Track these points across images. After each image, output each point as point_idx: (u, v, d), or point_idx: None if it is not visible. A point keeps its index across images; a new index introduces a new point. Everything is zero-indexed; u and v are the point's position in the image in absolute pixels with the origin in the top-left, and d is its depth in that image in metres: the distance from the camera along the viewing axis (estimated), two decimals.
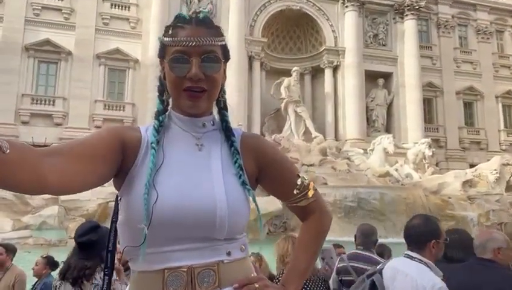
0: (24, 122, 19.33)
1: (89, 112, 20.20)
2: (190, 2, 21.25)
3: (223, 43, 1.20)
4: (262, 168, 1.25)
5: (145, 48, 20.64)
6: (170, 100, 1.24)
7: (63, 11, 20.79)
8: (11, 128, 18.48)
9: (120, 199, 1.15)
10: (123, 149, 1.11)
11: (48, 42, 20.21)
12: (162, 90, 1.23)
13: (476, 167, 18.96)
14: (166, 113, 1.23)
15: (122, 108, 20.87)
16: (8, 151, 0.80)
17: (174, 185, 1.09)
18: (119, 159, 1.10)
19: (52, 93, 20.27)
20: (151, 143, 1.13)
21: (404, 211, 12.85)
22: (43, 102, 19.87)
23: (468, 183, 16.53)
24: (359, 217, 12.43)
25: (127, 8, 21.80)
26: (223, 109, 1.29)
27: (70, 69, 20.40)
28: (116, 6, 21.66)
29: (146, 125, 1.21)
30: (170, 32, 1.17)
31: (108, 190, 13.11)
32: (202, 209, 1.08)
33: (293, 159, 17.52)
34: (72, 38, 20.50)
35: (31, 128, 19.20)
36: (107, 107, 20.65)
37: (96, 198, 12.95)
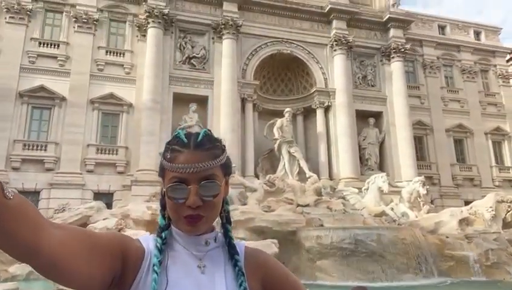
0: (15, 168, 19.10)
1: (81, 157, 20.08)
2: (183, 48, 21.88)
3: (223, 161, 1.18)
4: (267, 288, 1.22)
5: (139, 92, 20.94)
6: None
7: (58, 58, 21.21)
8: (1, 175, 18.21)
9: None
10: (124, 261, 1.05)
11: (42, 88, 20.44)
12: (163, 204, 1.21)
13: (471, 204, 18.87)
14: (168, 230, 1.20)
15: (115, 151, 20.80)
16: (11, 197, 0.78)
17: None
18: (117, 268, 1.04)
19: (44, 139, 20.22)
20: (154, 265, 1.09)
21: (402, 252, 12.60)
22: (34, 147, 19.76)
23: (464, 222, 16.37)
24: (357, 259, 12.14)
25: (121, 55, 22.33)
26: (226, 223, 1.26)
27: (64, 114, 20.51)
28: (111, 53, 22.19)
29: (146, 236, 1.17)
30: (168, 155, 1.16)
31: None
32: None
33: (288, 199, 17.35)
34: (66, 84, 20.78)
35: (22, 174, 18.97)
36: (99, 151, 20.58)
37: None
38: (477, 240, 14.46)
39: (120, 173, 20.41)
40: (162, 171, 1.18)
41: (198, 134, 1.18)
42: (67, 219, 14.28)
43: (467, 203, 21.56)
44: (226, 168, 1.20)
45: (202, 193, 1.10)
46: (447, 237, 14.58)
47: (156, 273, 1.06)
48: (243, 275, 1.16)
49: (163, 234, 1.16)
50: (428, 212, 19.35)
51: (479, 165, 27.79)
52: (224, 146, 1.22)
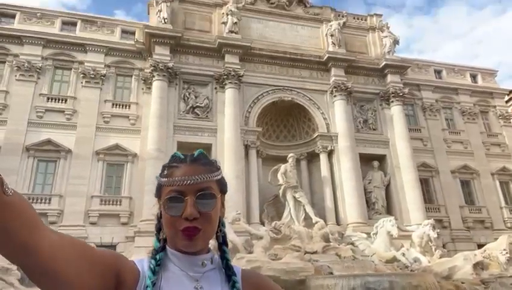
0: None
1: (84, 208, 19.95)
2: (187, 99, 22.48)
3: (219, 177, 1.21)
4: None
5: (143, 142, 21.23)
6: (167, 239, 1.21)
7: (65, 112, 21.80)
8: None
9: None
10: (117, 280, 1.03)
11: (49, 142, 20.80)
12: (159, 228, 1.21)
13: (485, 247, 18.24)
14: (163, 252, 1.19)
15: (119, 202, 20.68)
16: (10, 194, 0.78)
17: None
18: (109, 285, 1.01)
19: (48, 192, 20.23)
20: (147, 287, 1.07)
21: None
22: (39, 201, 19.71)
23: (479, 266, 15.72)
24: None
25: (127, 107, 22.94)
26: (223, 244, 1.26)
27: (69, 166, 20.69)
28: (117, 106, 22.82)
29: (141, 258, 1.16)
30: (166, 172, 1.19)
31: None
32: None
33: (295, 247, 16.89)
34: (72, 137, 21.16)
35: None
36: (103, 202, 20.48)
37: None
38: (494, 285, 13.82)
39: (123, 224, 20.15)
40: (159, 191, 1.18)
41: (194, 153, 1.22)
42: None
43: (479, 246, 20.89)
44: (222, 186, 1.22)
45: (199, 204, 1.11)
46: (463, 283, 13.96)
47: None
48: None
49: (157, 256, 1.15)
50: (441, 257, 18.68)
51: (488, 206, 27.26)
52: (220, 166, 1.24)
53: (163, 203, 1.14)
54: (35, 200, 19.66)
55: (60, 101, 22.14)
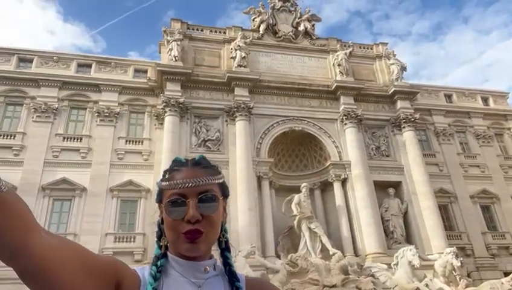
0: None
1: (99, 247, 19.84)
2: (199, 132, 22.75)
3: (221, 181, 1.20)
4: None
5: (156, 177, 21.23)
6: (168, 245, 1.20)
7: (80, 150, 22.21)
8: None
9: None
10: (117, 284, 1.00)
11: (64, 181, 21.08)
12: (160, 235, 1.20)
13: (511, 275, 17.42)
14: (164, 259, 1.17)
15: (132, 239, 20.55)
16: (4, 190, 0.75)
17: None
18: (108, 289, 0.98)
19: (63, 231, 20.25)
20: None
21: None
22: None
23: None
24: None
25: (140, 143, 23.29)
26: (225, 250, 1.24)
27: (84, 204, 20.82)
28: (131, 142, 23.20)
29: (142, 266, 1.14)
30: (167, 176, 1.18)
31: None
32: None
33: (313, 280, 16.36)
34: (87, 175, 21.42)
35: None
36: (117, 239, 20.38)
37: None
38: None
39: (137, 261, 19.90)
40: (159, 196, 1.17)
41: (195, 157, 1.22)
42: None
43: (506, 274, 19.91)
44: (224, 189, 1.20)
45: (201, 207, 1.09)
46: None
47: None
48: None
49: (158, 263, 1.12)
50: (466, 287, 17.83)
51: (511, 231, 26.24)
52: (221, 171, 1.24)
53: (165, 206, 1.12)
54: None
55: (76, 140, 22.63)
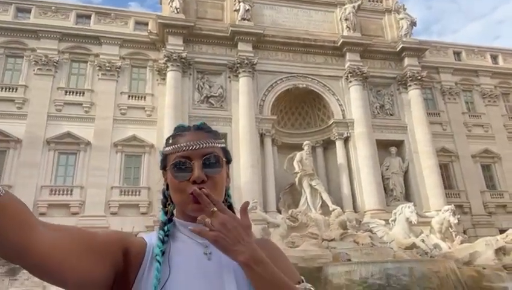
0: (41, 214, 19.47)
1: (105, 199, 20.39)
2: (201, 89, 22.51)
3: (223, 145, 1.23)
4: None
5: (160, 133, 21.44)
6: (174, 211, 1.21)
7: (83, 105, 22.16)
8: None
9: None
10: (125, 256, 1.03)
11: (68, 135, 21.23)
12: (165, 202, 1.22)
13: (507, 232, 17.88)
14: (171, 223, 1.19)
15: (137, 193, 21.06)
16: (2, 194, 0.76)
17: None
18: (119, 265, 1.01)
19: (70, 183, 20.73)
20: (156, 255, 1.07)
21: (436, 287, 11.89)
22: (61, 192, 20.24)
23: (501, 251, 15.44)
24: None
25: (143, 98, 23.15)
26: None
27: (89, 158, 21.10)
28: (133, 97, 23.06)
29: (150, 234, 1.17)
30: (170, 141, 1.20)
31: None
32: None
33: (312, 234, 16.91)
34: (91, 129, 21.53)
35: (48, 219, 19.15)
36: (123, 193, 20.88)
37: None
38: None
39: (143, 213, 20.55)
40: (164, 162, 1.19)
41: (197, 123, 1.26)
42: None
43: (501, 231, 20.47)
44: (226, 154, 1.23)
45: (205, 169, 1.11)
46: (484, 268, 13.75)
47: (159, 262, 1.04)
48: None
49: (165, 227, 1.15)
50: (461, 243, 18.43)
51: (510, 191, 26.61)
52: (222, 138, 1.27)
53: (170, 170, 1.15)
54: (57, 192, 20.19)
55: (78, 94, 22.50)
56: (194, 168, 1.12)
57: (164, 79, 22.50)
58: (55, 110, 21.73)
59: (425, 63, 27.03)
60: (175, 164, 1.14)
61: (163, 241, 1.11)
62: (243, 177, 20.20)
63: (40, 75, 22.17)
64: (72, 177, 20.90)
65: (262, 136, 22.40)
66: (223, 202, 1.23)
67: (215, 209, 1.04)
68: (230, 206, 1.27)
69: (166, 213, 1.20)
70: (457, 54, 30.30)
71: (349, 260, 14.21)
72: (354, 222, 19.79)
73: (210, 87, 22.56)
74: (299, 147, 22.16)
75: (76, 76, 23.19)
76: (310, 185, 21.25)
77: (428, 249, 17.39)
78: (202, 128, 1.21)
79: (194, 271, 1.08)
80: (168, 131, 20.81)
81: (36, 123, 21.03)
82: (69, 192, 20.44)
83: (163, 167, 1.20)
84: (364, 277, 11.92)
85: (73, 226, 1.00)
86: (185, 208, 1.16)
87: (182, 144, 1.15)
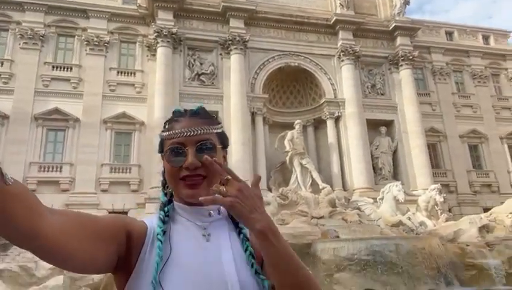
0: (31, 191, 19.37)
1: (95, 176, 20.32)
2: (192, 66, 22.21)
3: (219, 130, 1.23)
4: None
5: (150, 110, 21.24)
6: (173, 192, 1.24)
7: (71, 80, 21.73)
8: None
9: None
10: (128, 239, 1.06)
11: (56, 111, 20.89)
12: (164, 183, 1.24)
13: (491, 210, 18.42)
14: (171, 205, 1.22)
15: (128, 170, 21.01)
16: (11, 183, 0.78)
17: (184, 283, 1.03)
18: (122, 248, 1.04)
19: (59, 160, 20.56)
20: (157, 235, 1.10)
21: (421, 263, 12.29)
22: (50, 169, 20.09)
23: (484, 229, 15.93)
24: (375, 271, 11.88)
25: (132, 75, 22.77)
26: None
27: (78, 135, 20.88)
28: (123, 74, 22.65)
29: (150, 217, 1.19)
30: (167, 126, 1.22)
31: None
32: None
33: (302, 212, 17.21)
34: (79, 106, 21.21)
35: (38, 196, 18.88)
36: (113, 170, 20.81)
37: None
38: (499, 247, 14.04)
39: (134, 191, 20.57)
40: (161, 146, 1.21)
41: (193, 108, 1.25)
42: None
43: (485, 210, 21.08)
44: (223, 139, 1.24)
45: (199, 155, 1.13)
46: (468, 245, 14.20)
47: (160, 241, 1.07)
48: (247, 240, 1.18)
49: (165, 208, 1.18)
50: (446, 221, 18.94)
51: (496, 170, 27.22)
52: (220, 122, 1.27)
53: (165, 155, 1.17)
54: (46, 169, 20.04)
55: (65, 69, 22.02)
56: (188, 154, 1.14)
57: (154, 55, 22.11)
58: (43, 86, 21.30)
59: (417, 42, 26.97)
60: (169, 150, 1.16)
61: (164, 222, 1.15)
62: (234, 156, 20.25)
63: (26, 50, 21.58)
64: (62, 154, 20.72)
65: (253, 114, 22.36)
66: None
67: (229, 177, 1.05)
68: None
69: (165, 194, 1.23)
70: (449, 34, 30.25)
71: (338, 236, 14.54)
72: (342, 200, 20.16)
73: (201, 64, 22.26)
74: (290, 126, 22.21)
75: (64, 51, 22.63)
76: (301, 164, 21.44)
77: (414, 227, 17.87)
78: (198, 114, 1.22)
79: (193, 250, 1.12)
80: (158, 108, 20.64)
81: (23, 99, 20.63)
82: (59, 169, 20.30)
83: (161, 151, 1.22)
84: (352, 253, 12.24)
85: (78, 211, 1.02)
86: (179, 193, 1.19)
87: (176, 131, 1.17)
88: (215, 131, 1.21)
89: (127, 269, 1.06)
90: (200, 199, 1.05)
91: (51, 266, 13.55)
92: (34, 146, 20.22)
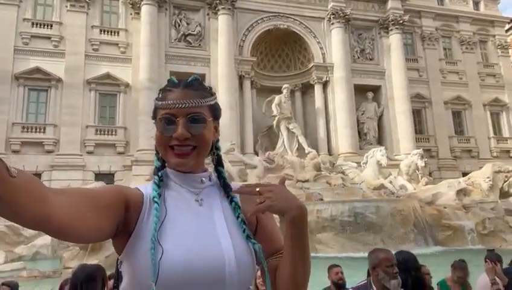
0: (15, 151, 19.16)
1: (80, 138, 20.11)
2: (179, 26, 21.55)
3: (211, 103, 1.25)
4: (260, 219, 1.27)
5: (135, 72, 20.76)
6: None
7: (52, 39, 20.91)
8: (1, 158, 18.27)
9: (121, 263, 1.14)
10: (126, 208, 1.11)
11: (37, 70, 20.24)
12: (158, 149, 1.27)
13: (469, 175, 19.11)
14: (164, 170, 1.25)
15: (114, 132, 20.81)
16: (15, 175, 0.81)
17: (180, 240, 1.10)
18: (121, 216, 1.10)
19: (42, 121, 20.18)
20: (153, 197, 1.15)
21: (400, 223, 12.86)
22: (33, 130, 19.75)
23: (462, 192, 16.61)
24: (356, 231, 12.40)
25: (116, 34, 22.00)
26: (219, 165, 1.32)
27: (61, 95, 20.39)
28: (105, 32, 21.86)
29: (145, 185, 1.23)
30: (160, 95, 1.24)
31: None
32: (211, 266, 1.08)
33: (288, 175, 17.52)
34: (61, 65, 20.57)
35: (22, 156, 19.02)
36: (98, 132, 20.58)
37: None
38: (474, 209, 14.73)
39: (120, 153, 20.50)
40: (155, 113, 1.24)
41: (188, 78, 1.26)
42: None
43: (464, 174, 21.79)
44: (215, 111, 1.27)
45: (190, 127, 1.17)
46: (445, 208, 14.85)
47: (157, 203, 1.13)
48: (239, 207, 1.23)
49: (159, 173, 1.23)
50: (426, 185, 19.61)
51: (477, 136, 27.89)
52: (214, 93, 1.29)
53: (157, 123, 1.21)
54: (30, 130, 19.71)
55: (45, 26, 21.11)
56: (178, 125, 1.17)
57: (138, 13, 21.29)
58: (22, 44, 20.46)
59: (408, 6, 26.57)
60: (161, 119, 1.19)
61: (158, 186, 1.19)
62: (221, 119, 19.86)
63: (4, 5, 20.48)
64: (45, 115, 20.30)
65: (241, 78, 22.11)
66: (211, 155, 1.30)
67: (258, 189, 1.14)
68: (218, 158, 1.33)
69: (159, 159, 1.26)
70: None
71: (321, 199, 14.98)
72: (327, 164, 20.57)
73: (188, 24, 21.60)
74: (278, 90, 22.11)
75: (43, 7, 21.57)
76: (287, 128, 21.58)
77: (395, 190, 18.47)
78: (192, 85, 1.23)
79: (187, 213, 1.17)
80: (143, 70, 20.20)
81: (3, 57, 19.84)
82: (42, 130, 19.98)
83: (154, 118, 1.24)
84: (335, 214, 12.70)
85: (78, 188, 1.07)
86: (168, 162, 1.23)
87: (169, 102, 1.19)
88: (207, 104, 1.22)
89: (125, 234, 1.12)
90: (248, 215, 1.18)
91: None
92: (16, 106, 19.73)
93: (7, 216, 0.84)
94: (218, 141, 1.33)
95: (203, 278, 1.07)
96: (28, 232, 13.65)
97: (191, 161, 1.20)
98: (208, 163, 1.32)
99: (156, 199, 1.14)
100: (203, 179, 1.25)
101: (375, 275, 2.91)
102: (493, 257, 3.50)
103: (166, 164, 1.26)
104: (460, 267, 4.39)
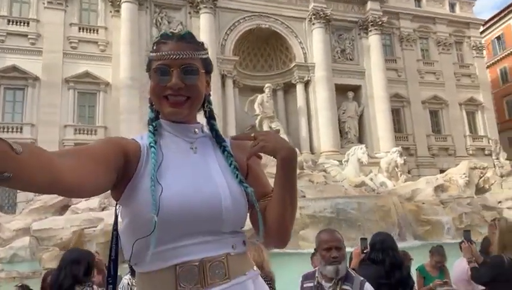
0: None
1: (58, 138, 19.66)
2: (160, 24, 21.37)
3: (204, 56, 1.28)
4: (251, 166, 1.32)
5: (115, 70, 20.46)
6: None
7: (29, 36, 20.40)
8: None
9: (120, 208, 1.18)
10: (125, 158, 1.14)
11: (14, 68, 19.71)
12: (151, 101, 1.30)
13: (446, 172, 19.66)
14: (158, 121, 1.29)
15: (93, 132, 20.45)
16: (21, 151, 0.82)
17: (177, 180, 1.14)
18: (121, 166, 1.13)
19: (19, 120, 19.66)
20: (150, 143, 1.19)
21: (381, 219, 13.11)
22: (10, 129, 19.21)
23: (439, 188, 17.07)
24: (338, 227, 12.56)
25: (95, 32, 21.63)
26: (211, 118, 1.36)
27: (38, 94, 19.92)
28: (84, 30, 21.46)
29: (140, 134, 1.26)
30: (155, 47, 1.27)
31: (82, 216, 12.72)
32: (208, 202, 1.13)
33: (271, 173, 17.57)
34: (39, 64, 20.08)
35: None
36: (77, 131, 20.19)
37: (70, 226, 12.49)
38: (451, 205, 15.17)
39: None
40: (149, 65, 1.27)
41: (181, 32, 1.30)
42: (48, 201, 14.10)
43: (442, 171, 22.36)
44: (207, 65, 1.30)
45: (183, 77, 1.21)
46: (423, 203, 15.24)
47: (154, 147, 1.17)
48: (231, 156, 1.28)
49: (154, 123, 1.27)
50: (405, 181, 20.05)
51: (453, 135, 28.70)
52: (207, 48, 1.32)
53: (151, 73, 1.24)
54: (6, 129, 19.16)
55: (22, 24, 20.57)
56: (172, 76, 1.19)
57: (118, 11, 21.01)
58: None
59: (386, 8, 27.13)
60: (155, 70, 1.22)
61: (154, 134, 1.23)
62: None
63: None
64: (21, 114, 19.78)
65: (223, 77, 22.09)
66: (203, 108, 1.34)
67: (253, 134, 1.22)
68: (211, 112, 1.36)
69: (153, 111, 1.30)
70: (418, 1, 30.57)
71: (304, 196, 15.12)
72: (310, 163, 20.75)
73: (169, 23, 21.45)
74: (260, 90, 22.20)
75: (20, 3, 21.02)
76: (270, 127, 21.65)
77: (376, 187, 18.80)
78: (185, 38, 1.26)
79: (183, 159, 1.22)
80: (124, 69, 19.94)
81: None
82: (19, 129, 19.45)
83: (148, 70, 1.27)
84: (317, 211, 12.85)
85: (78, 147, 1.09)
86: (162, 111, 1.26)
87: (163, 53, 1.21)
88: (200, 56, 1.25)
89: (126, 181, 1.15)
90: (245, 159, 1.24)
91: (16, 227, 13.34)
92: None
93: (20, 189, 0.87)
94: (210, 95, 1.36)
95: (201, 213, 1.11)
96: (5, 234, 13.25)
97: (185, 110, 1.23)
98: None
99: (152, 144, 1.18)
100: (196, 130, 1.29)
101: (317, 259, 2.69)
102: (469, 238, 3.65)
103: (160, 116, 1.29)
104: (438, 253, 4.54)
